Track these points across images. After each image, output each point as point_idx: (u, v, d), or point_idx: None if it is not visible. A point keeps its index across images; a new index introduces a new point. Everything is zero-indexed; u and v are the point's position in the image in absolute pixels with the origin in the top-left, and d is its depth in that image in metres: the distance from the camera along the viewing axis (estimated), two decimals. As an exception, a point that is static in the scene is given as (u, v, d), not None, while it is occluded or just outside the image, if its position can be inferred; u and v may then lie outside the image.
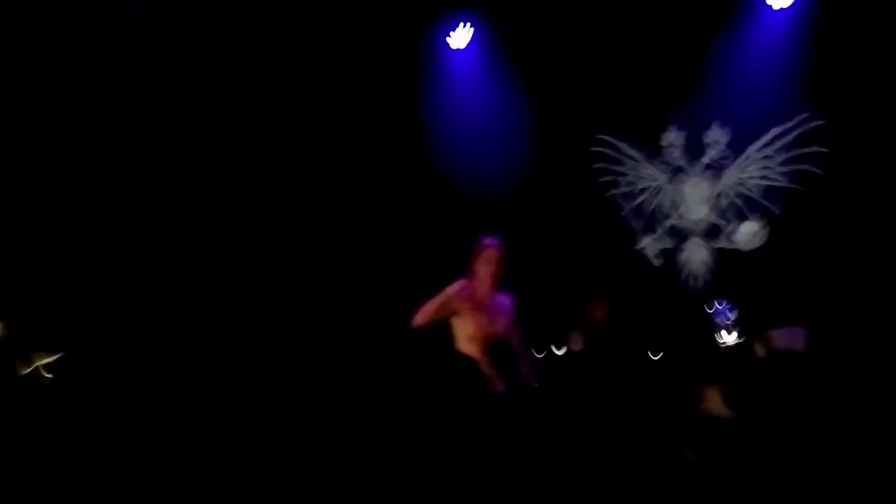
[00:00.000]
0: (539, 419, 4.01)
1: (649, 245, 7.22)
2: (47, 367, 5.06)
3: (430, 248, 7.02)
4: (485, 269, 4.87)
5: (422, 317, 4.93)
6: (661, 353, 6.18)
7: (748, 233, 6.92)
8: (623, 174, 7.28)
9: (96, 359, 5.31)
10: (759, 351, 5.39)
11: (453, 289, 4.88)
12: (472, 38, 7.28)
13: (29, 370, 5.00)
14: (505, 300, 5.01)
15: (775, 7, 6.54)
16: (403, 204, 7.02)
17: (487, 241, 4.98)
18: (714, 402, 4.59)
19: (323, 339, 6.40)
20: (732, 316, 6.35)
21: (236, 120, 6.83)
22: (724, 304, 6.44)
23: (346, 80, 7.04)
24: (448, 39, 7.30)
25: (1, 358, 4.99)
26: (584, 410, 4.88)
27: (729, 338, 6.23)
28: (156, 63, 6.60)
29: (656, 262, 7.20)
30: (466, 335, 4.69)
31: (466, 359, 4.30)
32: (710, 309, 6.53)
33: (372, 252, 6.88)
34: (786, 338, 5.53)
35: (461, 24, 7.28)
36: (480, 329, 4.66)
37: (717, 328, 6.35)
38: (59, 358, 5.14)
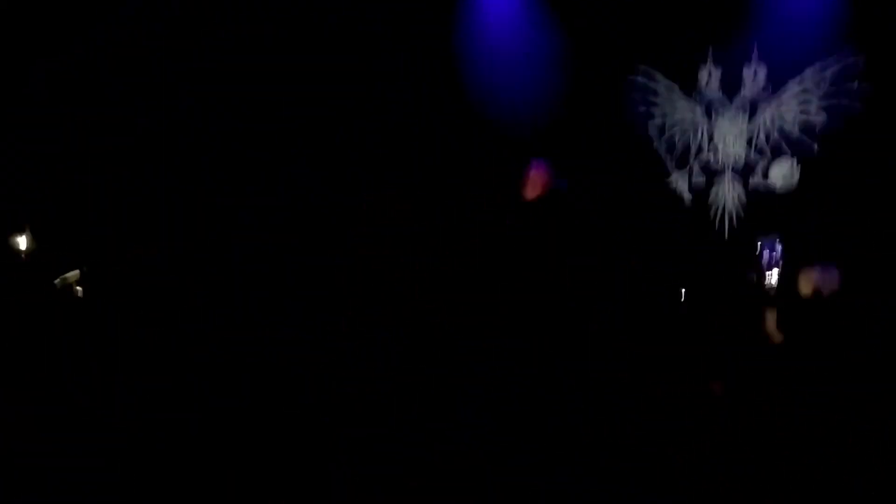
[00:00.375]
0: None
1: (681, 180, 7.18)
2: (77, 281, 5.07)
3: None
4: (533, 193, 4.84)
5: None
6: (691, 289, 6.10)
7: (782, 171, 6.87)
8: (657, 105, 7.24)
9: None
10: (804, 288, 5.27)
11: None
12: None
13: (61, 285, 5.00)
14: None
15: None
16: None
17: (535, 164, 4.95)
18: (770, 324, 4.50)
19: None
20: (777, 252, 6.23)
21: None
22: (769, 240, 6.29)
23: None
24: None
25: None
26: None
27: (771, 275, 6.10)
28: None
29: (687, 198, 7.15)
30: None
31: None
32: (756, 245, 6.40)
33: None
34: (821, 277, 5.45)
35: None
36: None
37: (763, 265, 6.20)
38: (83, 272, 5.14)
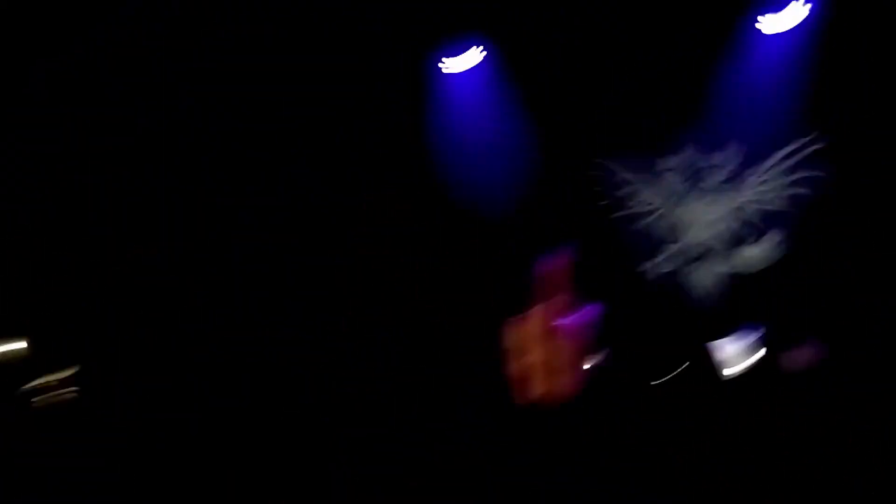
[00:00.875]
0: (540, 419, 3.98)
1: (652, 269, 7.14)
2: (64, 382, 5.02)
3: (430, 248, 7.07)
4: (549, 283, 4.62)
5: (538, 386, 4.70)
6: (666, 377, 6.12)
7: (752, 255, 6.88)
8: (628, 196, 7.19)
9: (96, 359, 5.30)
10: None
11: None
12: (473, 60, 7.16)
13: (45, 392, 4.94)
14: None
15: (769, 33, 6.50)
16: (403, 204, 6.99)
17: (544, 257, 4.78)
18: None
19: (323, 338, 6.39)
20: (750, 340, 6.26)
21: (236, 120, 6.82)
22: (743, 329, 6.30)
23: (347, 79, 7.03)
24: (446, 64, 7.13)
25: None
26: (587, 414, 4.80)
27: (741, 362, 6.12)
28: (156, 63, 6.59)
29: (659, 286, 7.11)
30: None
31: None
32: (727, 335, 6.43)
33: (372, 252, 6.86)
34: (799, 358, 5.49)
35: (467, 46, 7.12)
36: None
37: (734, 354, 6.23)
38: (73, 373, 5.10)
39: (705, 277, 7.04)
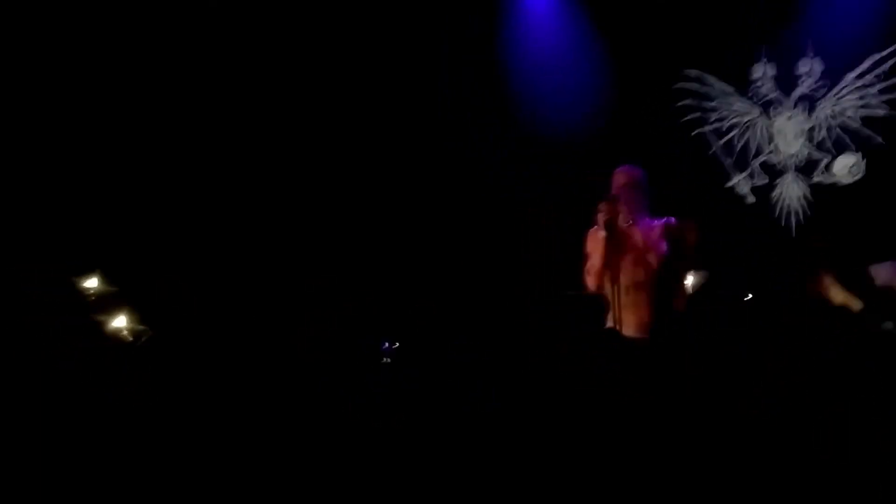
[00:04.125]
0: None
1: (741, 182, 6.98)
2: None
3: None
4: (624, 197, 4.65)
5: (592, 281, 4.68)
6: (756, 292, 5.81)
7: (846, 165, 6.70)
8: (712, 110, 7.07)
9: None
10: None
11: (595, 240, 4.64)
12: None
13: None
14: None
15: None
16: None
17: (620, 168, 4.78)
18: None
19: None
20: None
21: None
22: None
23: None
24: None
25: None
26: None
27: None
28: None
29: (749, 200, 6.94)
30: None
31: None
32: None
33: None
34: (887, 273, 5.18)
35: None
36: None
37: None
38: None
39: (796, 188, 6.85)
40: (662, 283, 4.76)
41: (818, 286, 4.21)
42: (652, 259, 4.72)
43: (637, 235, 4.79)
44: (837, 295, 4.14)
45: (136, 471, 3.80)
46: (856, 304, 4.14)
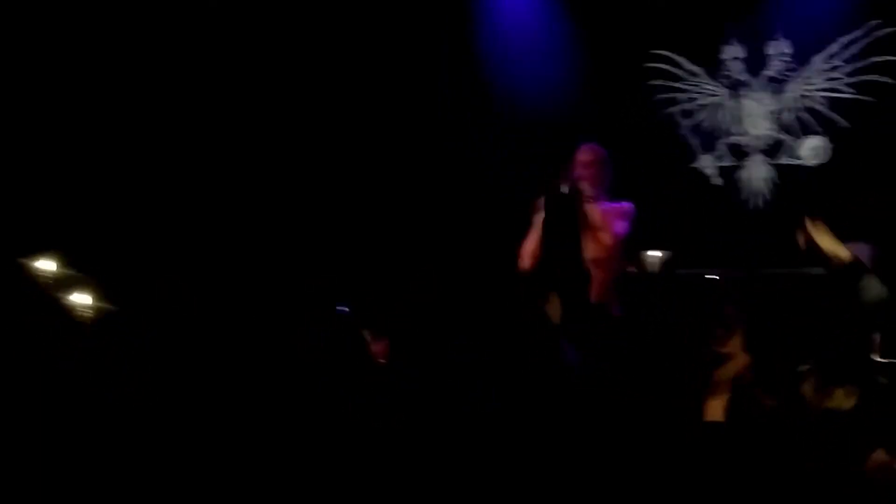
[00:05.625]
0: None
1: (708, 163, 7.01)
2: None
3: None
4: (586, 174, 4.66)
5: (526, 259, 4.68)
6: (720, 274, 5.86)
7: (811, 148, 6.76)
8: (681, 90, 7.08)
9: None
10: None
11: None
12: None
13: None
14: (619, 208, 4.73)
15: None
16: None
17: (584, 146, 4.78)
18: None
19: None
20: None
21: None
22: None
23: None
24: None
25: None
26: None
27: None
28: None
29: (716, 181, 6.98)
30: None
31: None
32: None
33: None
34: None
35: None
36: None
37: None
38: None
39: (763, 170, 6.90)
40: (616, 264, 4.79)
41: (808, 232, 4.18)
42: (606, 238, 4.73)
43: (595, 213, 4.80)
44: (826, 241, 4.11)
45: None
46: (844, 254, 4.12)
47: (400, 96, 7.15)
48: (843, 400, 3.44)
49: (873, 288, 3.90)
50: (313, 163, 7.03)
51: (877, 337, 4.17)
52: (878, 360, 4.09)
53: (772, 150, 6.89)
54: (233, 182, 6.90)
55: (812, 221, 4.13)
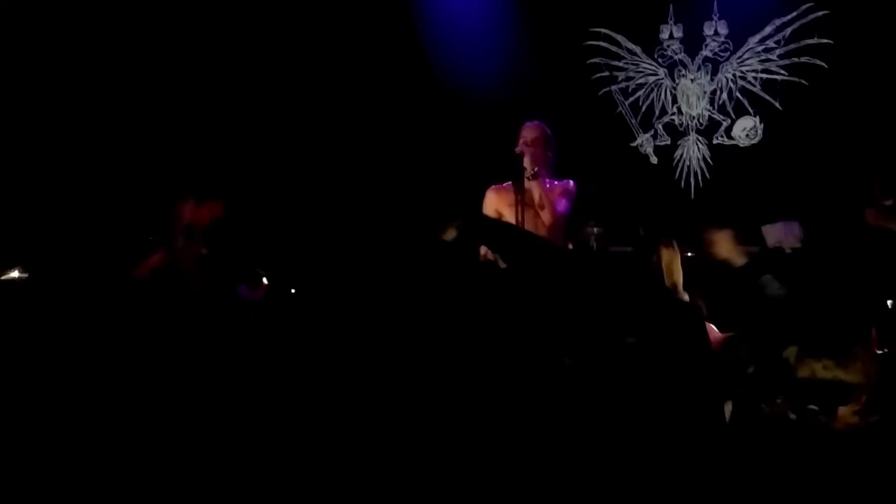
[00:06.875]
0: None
1: (645, 142, 7.09)
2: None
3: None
4: (529, 151, 4.65)
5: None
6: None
7: (744, 128, 6.88)
8: (620, 69, 7.14)
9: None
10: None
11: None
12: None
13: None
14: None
15: None
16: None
17: (528, 123, 4.78)
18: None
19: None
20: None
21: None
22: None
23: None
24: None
25: None
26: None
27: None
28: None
29: (653, 160, 7.07)
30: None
31: None
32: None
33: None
34: (778, 232, 5.34)
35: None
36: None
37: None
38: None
39: (695, 151, 7.01)
40: (558, 242, 4.80)
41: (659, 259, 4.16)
42: (547, 217, 4.75)
43: (537, 190, 4.81)
44: (671, 268, 4.09)
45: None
46: (679, 283, 4.11)
47: (342, 76, 7.10)
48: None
49: (770, 287, 3.95)
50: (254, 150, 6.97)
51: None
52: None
53: (706, 130, 6.97)
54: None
55: (666, 245, 4.10)
